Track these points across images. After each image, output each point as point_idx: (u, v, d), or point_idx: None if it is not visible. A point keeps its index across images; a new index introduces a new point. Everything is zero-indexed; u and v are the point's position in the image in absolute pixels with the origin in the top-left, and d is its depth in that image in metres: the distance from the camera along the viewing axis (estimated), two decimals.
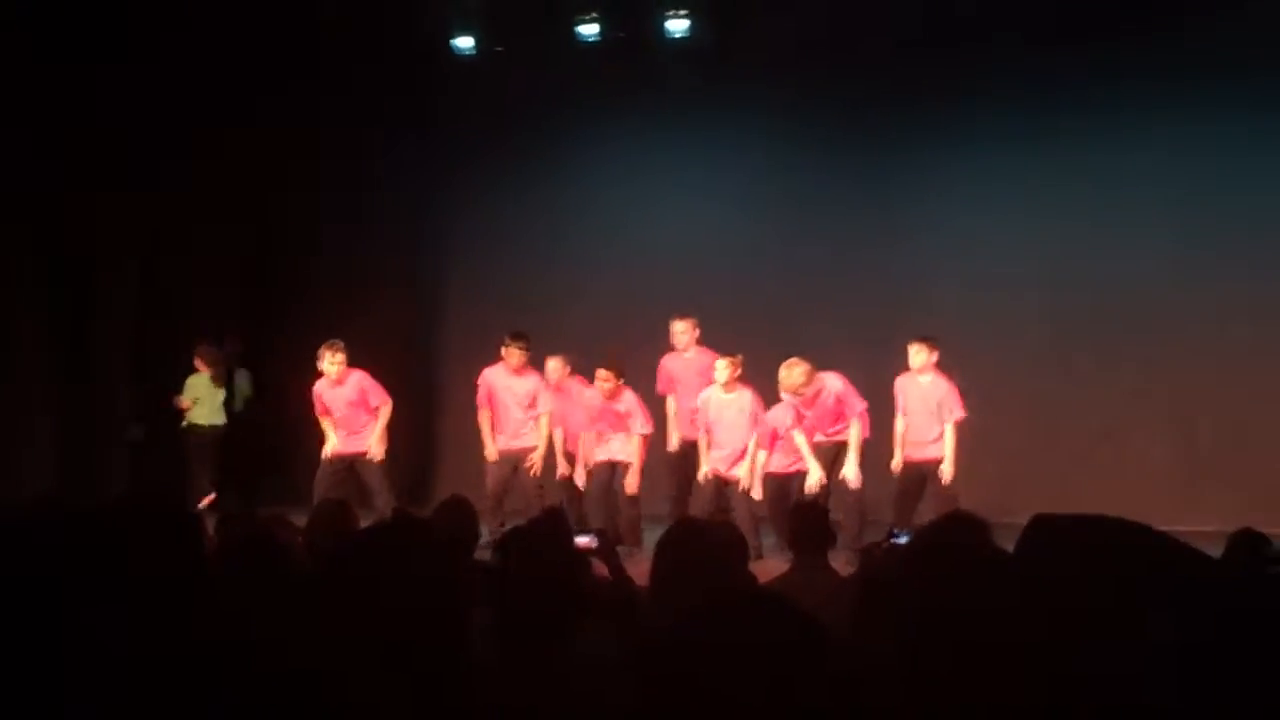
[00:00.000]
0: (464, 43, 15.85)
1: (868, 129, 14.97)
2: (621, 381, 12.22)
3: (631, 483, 12.15)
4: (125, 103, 14.51)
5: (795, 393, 11.50)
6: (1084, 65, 14.16)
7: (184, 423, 15.22)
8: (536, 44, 15.71)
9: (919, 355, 11.87)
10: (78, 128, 14.14)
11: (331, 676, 2.31)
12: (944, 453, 11.84)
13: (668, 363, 12.73)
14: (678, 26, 15.16)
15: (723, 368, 11.85)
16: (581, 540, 5.39)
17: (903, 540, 6.22)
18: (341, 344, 12.55)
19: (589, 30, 15.32)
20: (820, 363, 11.82)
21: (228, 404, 15.68)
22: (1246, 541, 4.82)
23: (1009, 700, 1.81)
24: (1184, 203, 14.03)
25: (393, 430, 12.92)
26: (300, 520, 6.51)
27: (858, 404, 11.83)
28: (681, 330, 12.62)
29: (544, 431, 12.57)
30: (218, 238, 15.85)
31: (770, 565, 8.60)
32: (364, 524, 6.17)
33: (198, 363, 15.17)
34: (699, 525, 4.15)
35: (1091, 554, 2.00)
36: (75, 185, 14.29)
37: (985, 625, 1.84)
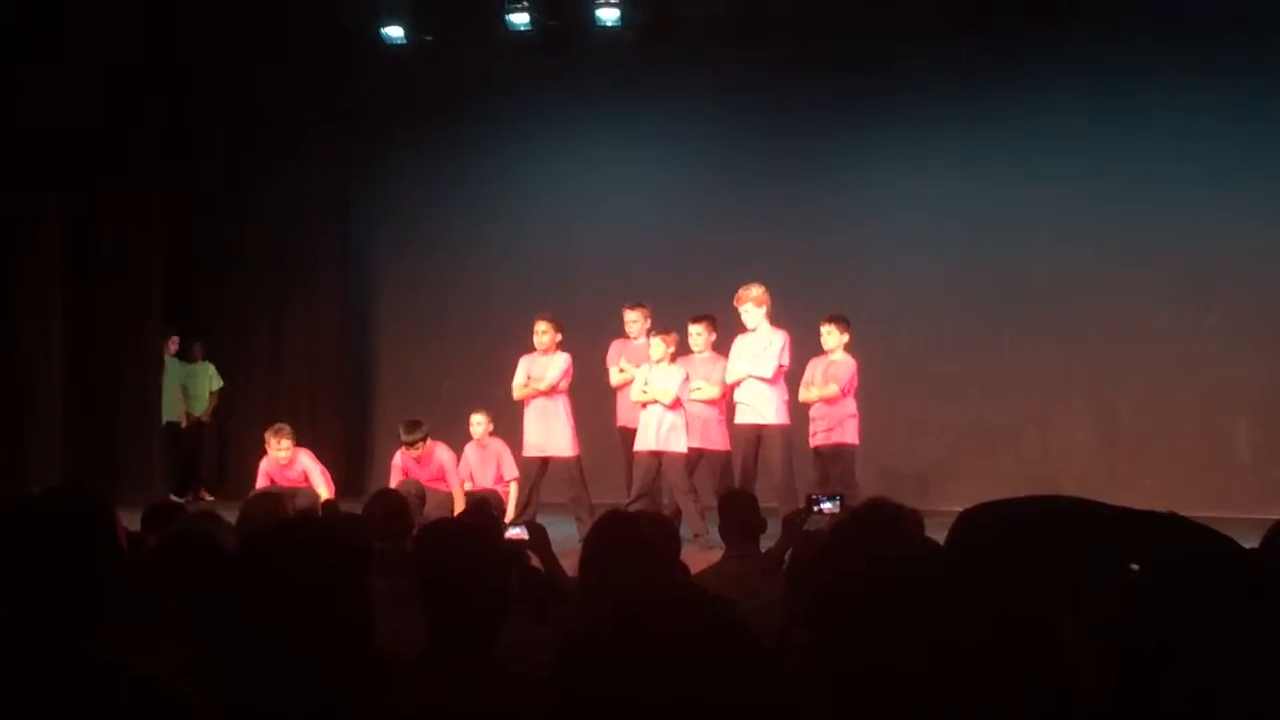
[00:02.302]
0: (394, 32, 15.75)
1: (797, 115, 15.02)
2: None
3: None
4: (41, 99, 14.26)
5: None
6: (1005, 47, 14.25)
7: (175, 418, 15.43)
8: (467, 33, 15.62)
9: (830, 336, 11.84)
10: None
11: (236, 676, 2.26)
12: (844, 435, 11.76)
13: (618, 350, 12.62)
14: (608, 15, 15.13)
15: (659, 345, 11.81)
16: (512, 532, 5.34)
17: (828, 506, 6.17)
18: (288, 429, 12.47)
19: (519, 19, 15.25)
20: None
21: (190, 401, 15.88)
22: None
23: (933, 699, 1.78)
24: (1104, 185, 14.13)
25: (326, 422, 12.84)
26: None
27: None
28: (633, 319, 12.55)
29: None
30: (134, 238, 15.58)
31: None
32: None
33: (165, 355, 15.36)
34: (629, 516, 4.11)
35: (1026, 542, 1.96)
36: None
37: (911, 622, 1.81)
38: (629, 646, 1.72)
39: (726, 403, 11.96)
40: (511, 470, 12.39)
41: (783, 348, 11.65)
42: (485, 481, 12.41)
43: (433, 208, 16.36)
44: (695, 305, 12.36)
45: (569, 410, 12.23)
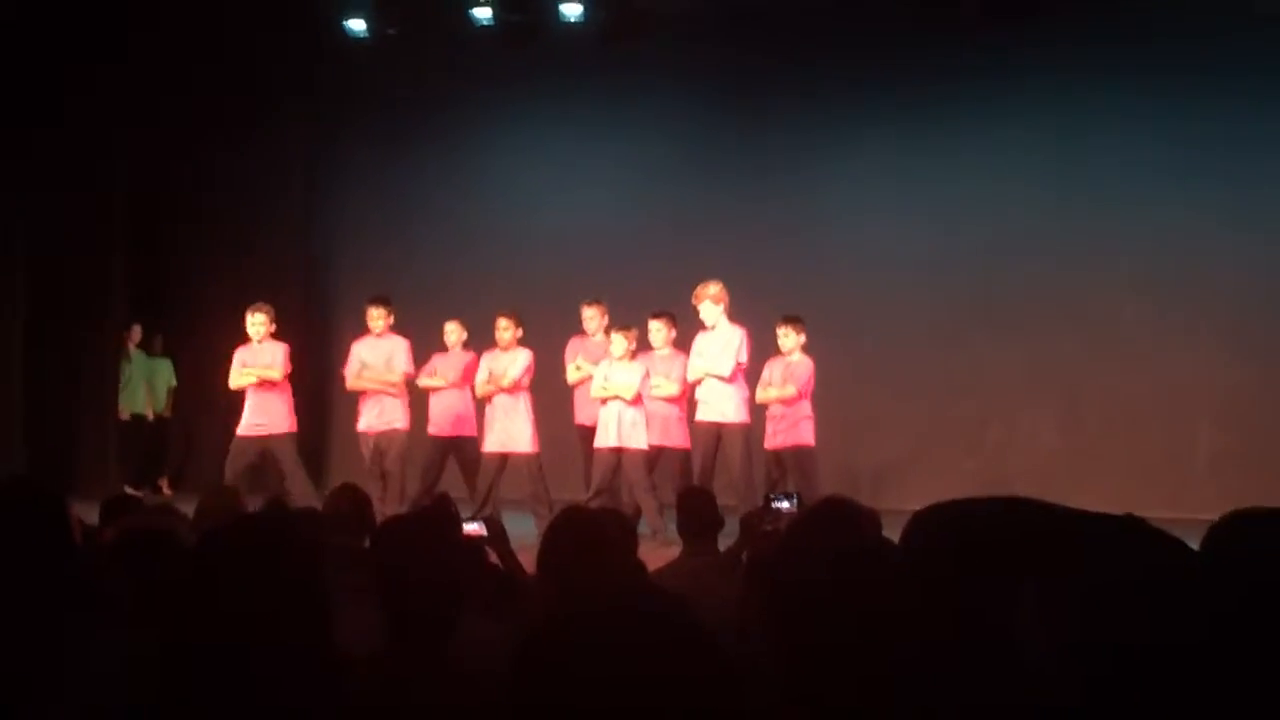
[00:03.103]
0: (357, 25, 15.69)
1: (762, 112, 15.07)
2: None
3: None
4: None
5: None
6: (973, 43, 14.29)
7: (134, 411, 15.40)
8: (430, 27, 15.59)
9: (787, 338, 11.88)
10: None
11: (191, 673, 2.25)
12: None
13: (576, 347, 12.64)
14: (572, 11, 15.10)
15: (619, 341, 11.81)
16: (470, 528, 5.33)
17: (784, 505, 6.18)
18: (267, 307, 12.37)
19: (483, 14, 15.20)
20: None
21: (148, 394, 15.86)
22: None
23: (891, 699, 1.78)
24: (1070, 182, 14.19)
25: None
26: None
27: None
28: (591, 316, 12.57)
29: None
30: (98, 229, 15.47)
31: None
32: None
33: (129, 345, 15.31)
34: (587, 513, 4.10)
35: (980, 543, 1.96)
36: None
37: (864, 624, 1.81)
38: (586, 644, 1.72)
39: (687, 400, 11.98)
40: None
41: (740, 345, 11.67)
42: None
43: (396, 201, 16.35)
44: (655, 302, 12.37)
45: (530, 407, 12.23)
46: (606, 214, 15.51)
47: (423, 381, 12.56)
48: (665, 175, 15.39)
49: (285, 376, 12.26)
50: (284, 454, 12.17)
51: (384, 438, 12.32)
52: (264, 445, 12.15)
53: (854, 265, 14.72)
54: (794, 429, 11.74)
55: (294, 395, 12.47)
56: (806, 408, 11.77)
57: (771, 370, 11.91)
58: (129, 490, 13.16)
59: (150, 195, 16.06)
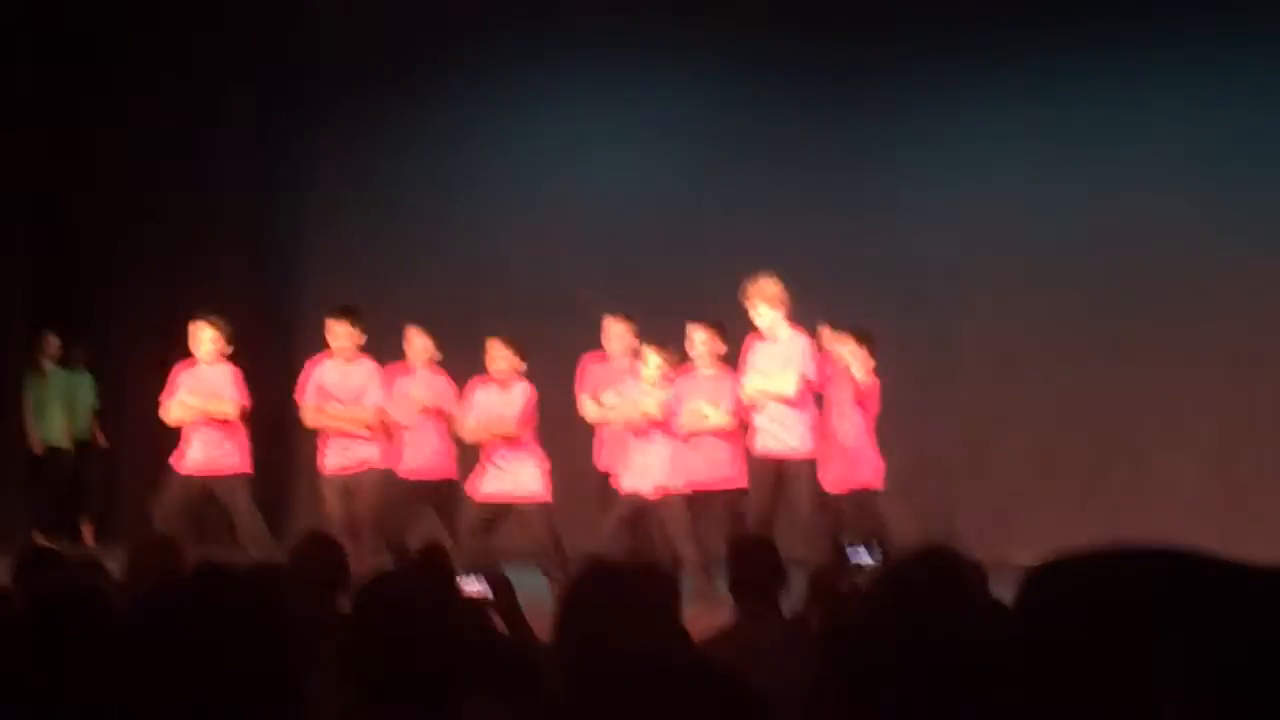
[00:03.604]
0: None
1: (829, 68, 15.03)
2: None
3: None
4: None
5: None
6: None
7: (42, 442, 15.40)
8: None
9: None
10: None
11: None
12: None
13: (596, 374, 12.56)
14: None
15: (653, 361, 11.75)
16: (470, 587, 5.32)
17: (864, 560, 6.16)
18: (219, 320, 12.37)
19: None
20: None
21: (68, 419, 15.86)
22: None
23: None
24: (1225, 157, 14.08)
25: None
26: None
27: None
28: (618, 335, 12.47)
29: None
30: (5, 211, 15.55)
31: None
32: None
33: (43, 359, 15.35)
34: (614, 566, 4.08)
35: (1117, 605, 1.93)
36: None
37: (972, 707, 1.78)
38: None
39: (743, 427, 11.90)
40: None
41: (805, 357, 11.58)
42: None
43: (369, 187, 16.33)
44: (687, 306, 12.33)
45: (537, 445, 12.19)
46: (632, 192, 15.50)
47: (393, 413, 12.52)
48: (704, 149, 15.38)
49: (240, 411, 12.27)
50: (235, 498, 12.17)
51: (355, 479, 12.31)
52: (209, 487, 12.16)
53: (944, 263, 14.65)
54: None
55: (249, 426, 12.48)
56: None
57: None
58: (41, 541, 13.19)
59: (63, 172, 16.08)
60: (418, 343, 12.59)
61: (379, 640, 3.22)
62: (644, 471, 11.77)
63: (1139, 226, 14.17)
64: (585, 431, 12.59)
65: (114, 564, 6.08)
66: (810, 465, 11.56)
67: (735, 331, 11.93)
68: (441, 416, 12.45)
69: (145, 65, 16.03)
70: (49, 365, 15.86)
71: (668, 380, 11.78)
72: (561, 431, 12.72)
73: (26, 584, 5.96)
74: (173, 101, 16.07)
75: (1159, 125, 14.24)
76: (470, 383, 12.37)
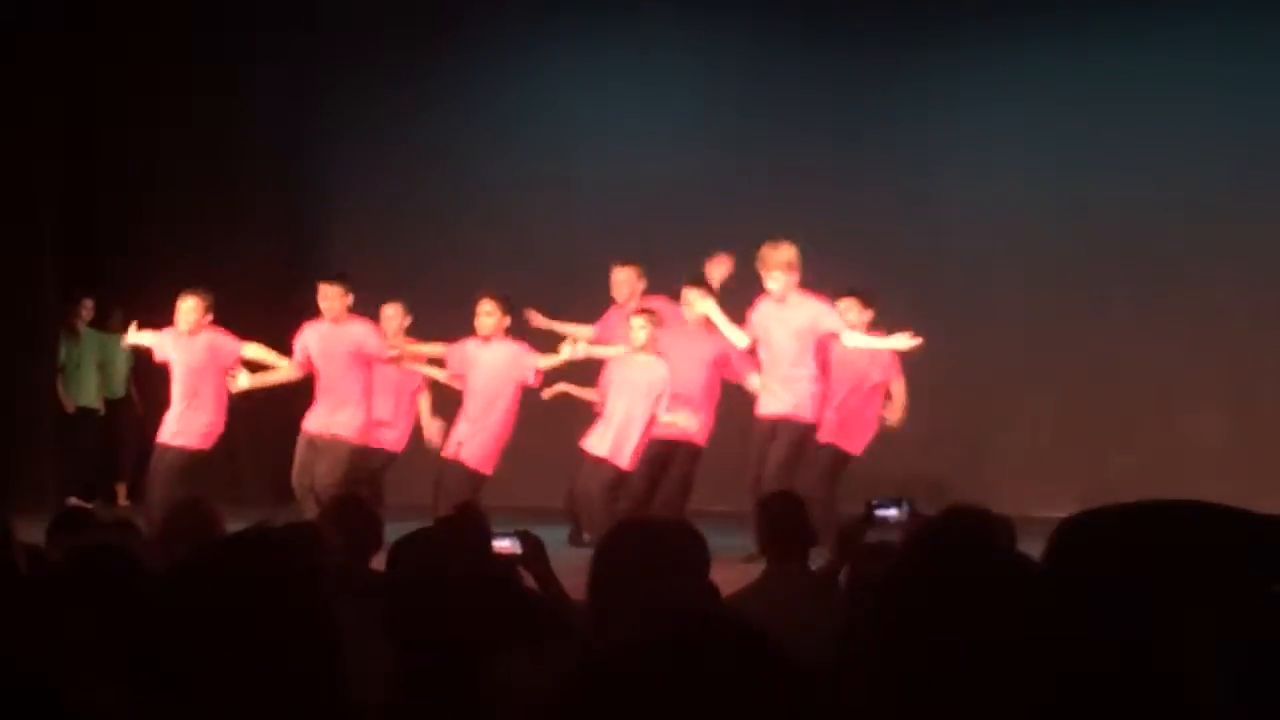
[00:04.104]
0: None
1: (848, 26, 14.97)
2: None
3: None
4: None
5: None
6: None
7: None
8: None
9: (850, 313, 11.81)
10: None
11: None
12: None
13: (614, 320, 12.63)
14: None
15: (640, 327, 11.79)
16: (502, 544, 5.32)
17: (892, 514, 6.13)
18: (200, 290, 12.46)
19: None
20: None
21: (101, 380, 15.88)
22: None
23: None
24: (1249, 110, 14.02)
25: (260, 414, 12.88)
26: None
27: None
28: (621, 281, 12.54)
29: None
30: (18, 184, 15.52)
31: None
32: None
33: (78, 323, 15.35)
34: (646, 524, 4.10)
35: (1144, 559, 1.94)
36: None
37: (999, 660, 1.79)
38: (647, 686, 1.71)
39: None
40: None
41: (822, 314, 11.63)
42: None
43: (397, 146, 16.30)
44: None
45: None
46: (658, 157, 15.47)
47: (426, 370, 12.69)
48: (728, 113, 15.34)
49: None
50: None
51: (325, 443, 12.37)
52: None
53: (970, 221, 14.60)
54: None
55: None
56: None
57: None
58: (76, 502, 13.24)
59: (91, 139, 16.08)
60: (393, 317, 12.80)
61: (412, 598, 3.24)
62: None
63: (1169, 187, 14.12)
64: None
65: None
66: (801, 429, 11.59)
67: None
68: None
69: (176, 31, 15.99)
70: (82, 327, 15.88)
71: (654, 344, 11.85)
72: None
73: (58, 543, 6.00)
74: (203, 69, 16.07)
75: (1186, 83, 14.17)
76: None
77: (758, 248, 11.78)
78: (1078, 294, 14.41)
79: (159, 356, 12.50)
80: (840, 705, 2.35)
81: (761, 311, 11.74)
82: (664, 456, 12.05)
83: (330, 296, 12.31)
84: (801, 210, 13.54)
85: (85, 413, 15.80)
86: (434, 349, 12.63)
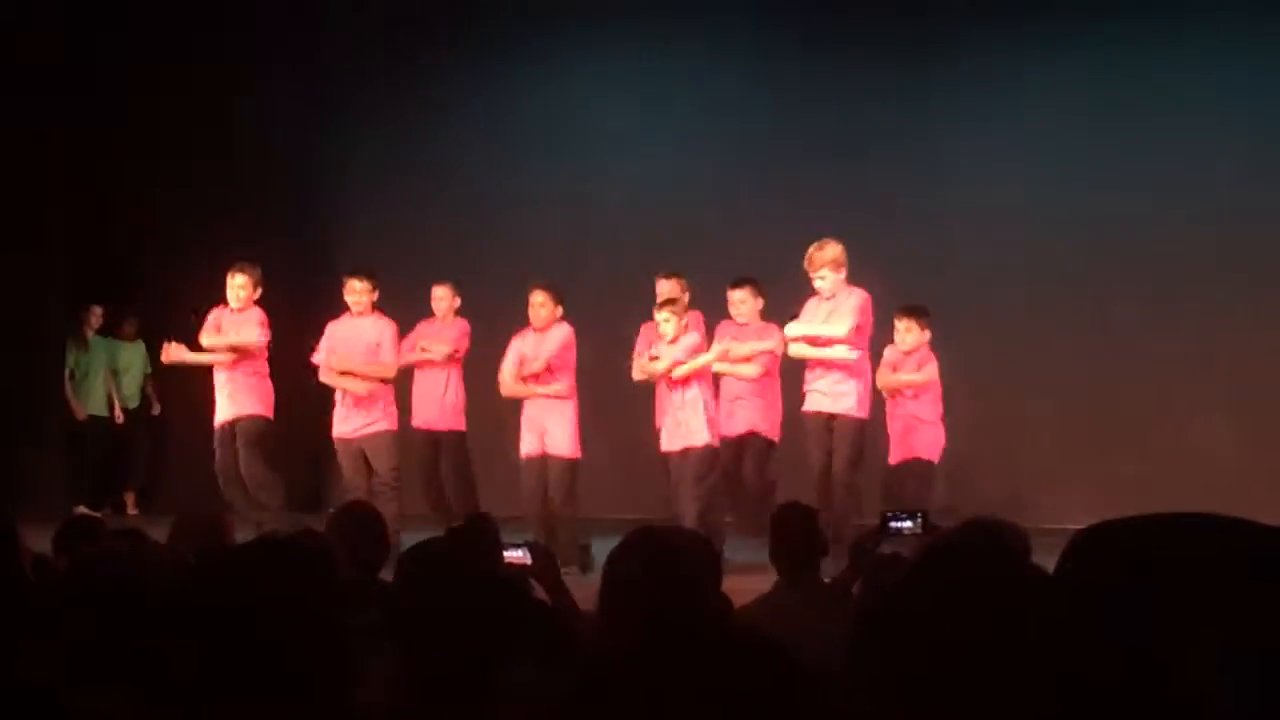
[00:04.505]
0: None
1: (850, 44, 15.01)
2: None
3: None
4: None
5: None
6: None
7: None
8: None
9: (910, 334, 11.75)
10: None
11: None
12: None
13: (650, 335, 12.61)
14: None
15: (664, 320, 11.78)
16: (512, 555, 5.32)
17: (906, 526, 6.12)
18: (251, 266, 12.57)
19: None
20: None
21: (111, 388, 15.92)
22: None
23: None
24: (1253, 132, 14.03)
25: (280, 414, 12.88)
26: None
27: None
28: (663, 292, 12.49)
29: None
30: (29, 191, 15.54)
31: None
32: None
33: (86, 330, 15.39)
34: (658, 534, 4.08)
35: (1159, 571, 1.93)
36: None
37: (1012, 674, 1.78)
38: (657, 697, 1.71)
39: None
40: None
41: (859, 307, 11.51)
42: None
43: (412, 154, 16.32)
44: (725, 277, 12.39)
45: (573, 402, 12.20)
46: (671, 166, 15.51)
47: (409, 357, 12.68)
48: (748, 120, 15.35)
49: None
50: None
51: (369, 441, 12.37)
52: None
53: (978, 230, 14.60)
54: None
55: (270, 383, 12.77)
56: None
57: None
58: (83, 510, 13.25)
59: (97, 143, 16.13)
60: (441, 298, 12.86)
61: (422, 607, 3.24)
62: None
63: (1171, 196, 14.12)
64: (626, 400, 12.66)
65: (158, 533, 6.06)
66: (857, 425, 11.55)
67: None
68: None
69: (183, 33, 16.02)
70: (90, 335, 15.90)
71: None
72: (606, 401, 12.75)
73: (64, 551, 5.99)
74: (214, 73, 16.09)
75: (1187, 93, 14.18)
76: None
77: (759, 258, 11.84)
78: (1081, 305, 14.40)
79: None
80: (849, 713, 2.35)
81: (810, 310, 11.71)
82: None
83: (357, 291, 12.39)
84: (803, 222, 13.57)
85: (95, 420, 15.82)
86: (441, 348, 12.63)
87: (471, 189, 16.10)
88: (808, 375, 11.72)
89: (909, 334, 11.66)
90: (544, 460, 11.97)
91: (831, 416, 11.56)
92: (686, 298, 12.36)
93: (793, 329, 11.66)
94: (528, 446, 12.02)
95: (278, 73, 16.42)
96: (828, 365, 11.54)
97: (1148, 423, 14.29)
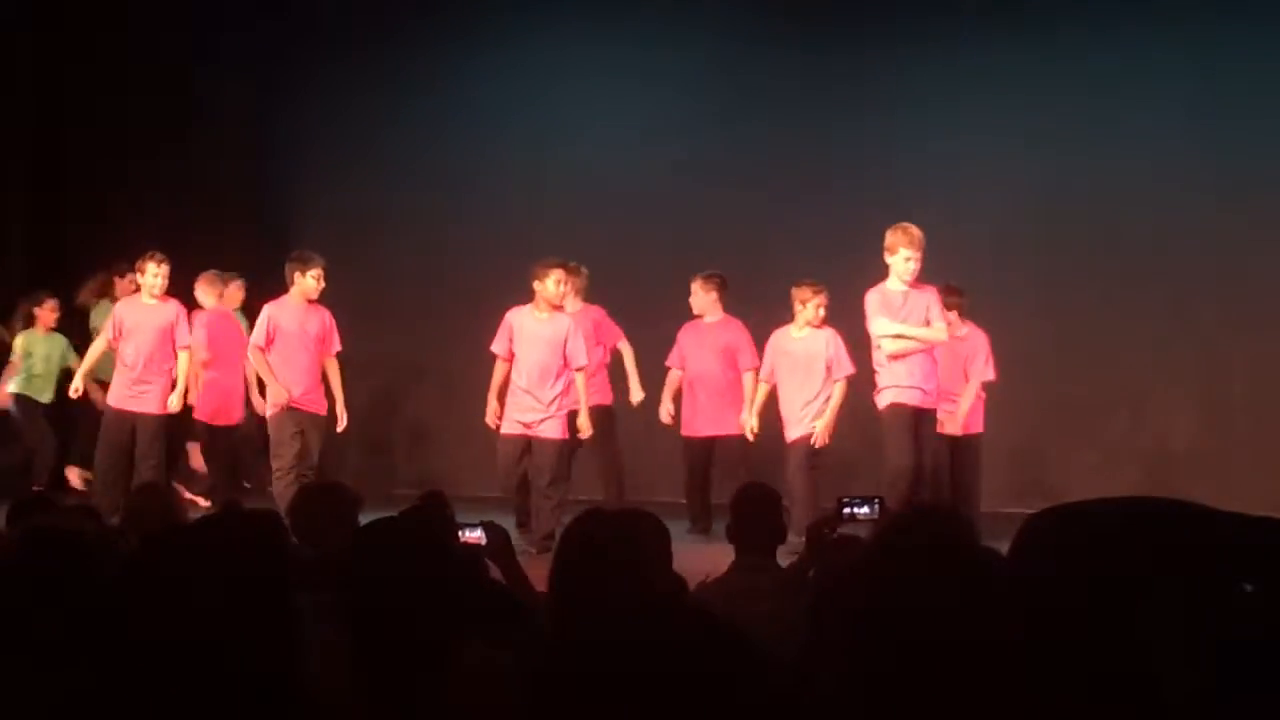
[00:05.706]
0: None
1: (835, 26, 14.99)
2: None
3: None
4: None
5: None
6: None
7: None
8: None
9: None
10: None
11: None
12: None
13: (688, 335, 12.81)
14: None
15: (812, 304, 11.98)
16: (468, 535, 5.32)
17: (864, 511, 6.13)
18: (159, 254, 12.46)
19: None
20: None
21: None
22: None
23: None
24: (1225, 105, 14.05)
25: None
26: None
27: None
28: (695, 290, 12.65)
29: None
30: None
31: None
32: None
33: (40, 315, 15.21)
34: (609, 515, 4.09)
35: (1107, 554, 1.95)
36: None
37: (962, 656, 1.79)
38: (608, 678, 1.71)
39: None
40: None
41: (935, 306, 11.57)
42: None
43: (369, 143, 16.26)
44: (704, 253, 12.42)
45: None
46: (648, 139, 15.50)
47: None
48: (716, 96, 15.35)
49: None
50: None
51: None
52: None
53: (939, 216, 14.59)
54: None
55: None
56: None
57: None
58: (38, 489, 13.17)
59: (59, 135, 16.08)
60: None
61: (376, 586, 3.23)
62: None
63: (1137, 186, 14.14)
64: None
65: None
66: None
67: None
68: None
69: (143, 30, 16.00)
70: (43, 332, 15.70)
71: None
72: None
73: (19, 528, 5.98)
74: (171, 69, 16.09)
75: (1163, 72, 14.21)
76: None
77: (744, 247, 11.90)
78: (1047, 292, 14.40)
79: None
80: (805, 697, 2.36)
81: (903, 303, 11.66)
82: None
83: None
84: (787, 210, 13.60)
85: (33, 404, 15.59)
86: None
87: (433, 173, 16.01)
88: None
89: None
90: (528, 441, 11.89)
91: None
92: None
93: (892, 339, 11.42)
94: (511, 426, 11.91)
95: (232, 58, 16.34)
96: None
97: (1107, 412, 14.32)
